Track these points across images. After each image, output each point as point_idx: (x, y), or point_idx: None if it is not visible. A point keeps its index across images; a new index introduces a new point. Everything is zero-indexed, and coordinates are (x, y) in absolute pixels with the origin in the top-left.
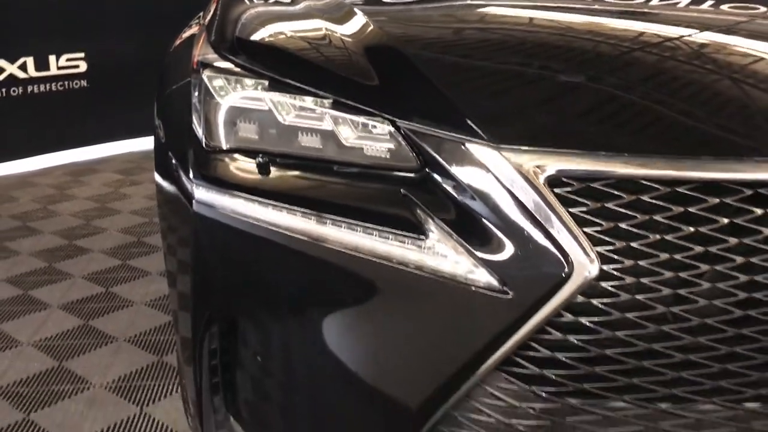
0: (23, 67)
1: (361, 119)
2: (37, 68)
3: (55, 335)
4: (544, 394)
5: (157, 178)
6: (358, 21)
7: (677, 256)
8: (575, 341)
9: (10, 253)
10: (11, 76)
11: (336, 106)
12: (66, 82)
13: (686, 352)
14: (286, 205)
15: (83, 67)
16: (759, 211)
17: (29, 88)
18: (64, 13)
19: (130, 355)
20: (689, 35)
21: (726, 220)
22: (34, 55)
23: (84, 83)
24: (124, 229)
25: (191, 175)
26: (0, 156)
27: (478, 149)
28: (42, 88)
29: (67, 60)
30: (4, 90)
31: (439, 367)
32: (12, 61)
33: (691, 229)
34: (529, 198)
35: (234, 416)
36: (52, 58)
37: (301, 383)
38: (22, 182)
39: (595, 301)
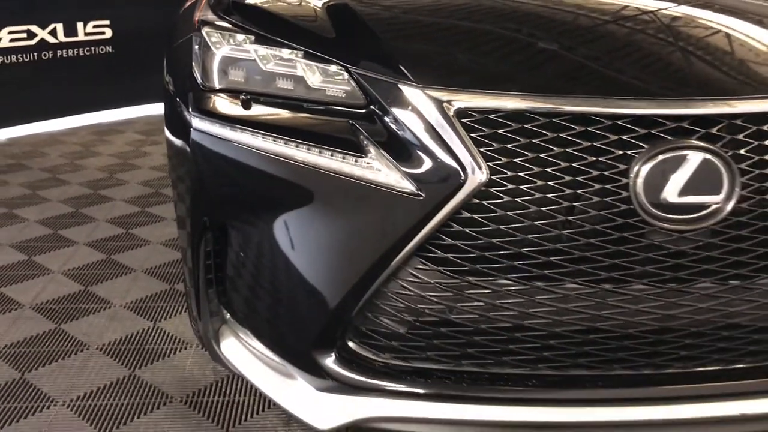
0: (53, 33)
1: (324, 66)
2: (66, 34)
3: (82, 266)
4: (449, 273)
5: (166, 119)
6: None
7: (549, 170)
8: (471, 232)
9: (42, 199)
10: (42, 41)
11: (306, 56)
12: (92, 48)
13: (554, 242)
14: (263, 132)
15: (108, 33)
16: (613, 137)
17: (59, 53)
18: None
19: (146, 283)
20: None
21: (587, 143)
22: (63, 21)
23: (109, 49)
24: (143, 181)
25: (190, 109)
26: (31, 116)
27: (407, 89)
28: (70, 52)
29: (94, 27)
30: (35, 54)
31: (375, 250)
32: (43, 27)
33: (559, 149)
34: (442, 126)
35: (224, 305)
36: (80, 25)
37: (268, 273)
38: (51, 140)
39: (485, 202)
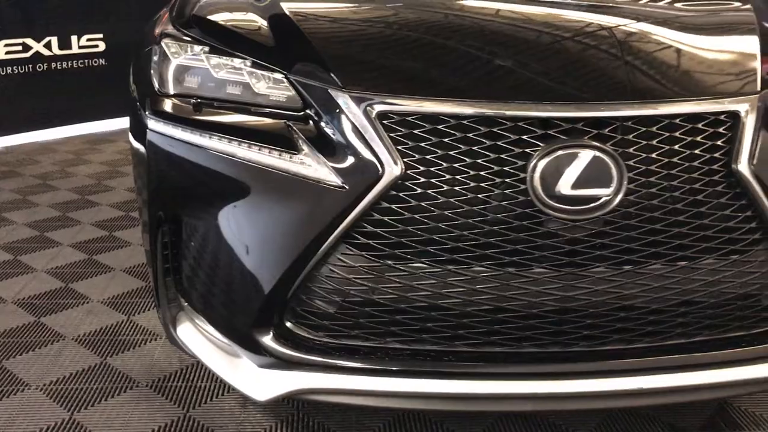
0: (48, 46)
1: (268, 74)
2: (61, 47)
3: (64, 265)
4: (371, 258)
5: (130, 128)
6: (274, 5)
7: (457, 165)
8: (389, 220)
9: (31, 204)
10: (37, 53)
11: (253, 65)
12: (86, 60)
13: (462, 229)
14: (211, 132)
15: (102, 46)
16: (514, 137)
17: (53, 65)
18: None
19: (124, 280)
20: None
21: (491, 142)
22: (57, 35)
23: (102, 61)
24: (129, 188)
25: (147, 112)
26: (26, 125)
27: (336, 93)
28: (64, 65)
29: (88, 40)
30: (30, 66)
31: (305, 237)
32: (38, 40)
33: (466, 147)
34: (364, 126)
35: (181, 293)
36: (74, 38)
37: (215, 261)
38: (44, 148)
39: (401, 194)
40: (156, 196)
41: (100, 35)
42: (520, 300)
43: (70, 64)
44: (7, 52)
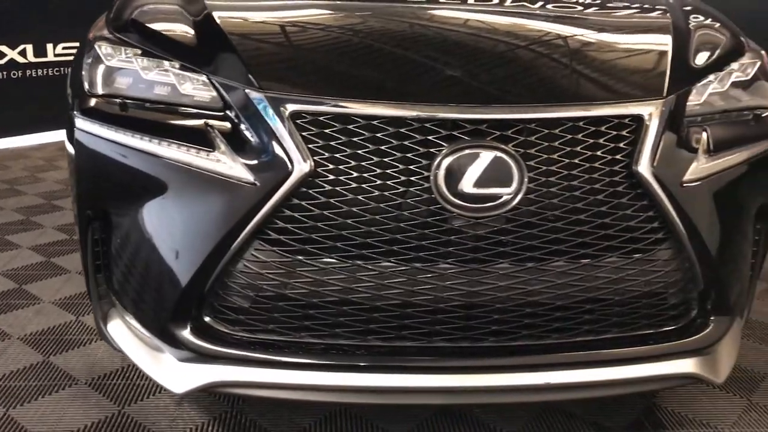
0: (23, 53)
1: (193, 76)
2: (36, 54)
3: (21, 267)
4: (283, 253)
5: (66, 130)
6: (202, 10)
7: (365, 164)
8: (300, 217)
9: None
10: (12, 60)
11: (180, 67)
12: (61, 68)
13: (369, 225)
14: (134, 131)
15: None
16: (420, 137)
17: (28, 72)
18: (62, 6)
19: (78, 282)
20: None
21: (397, 142)
22: (33, 42)
23: None
24: None
25: (75, 111)
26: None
27: (252, 93)
28: (40, 72)
29: (63, 48)
30: (4, 73)
31: (219, 232)
32: (13, 47)
33: (374, 147)
34: (277, 125)
35: (111, 290)
36: (49, 46)
37: (138, 257)
38: (17, 155)
39: (311, 191)
40: (84, 194)
41: (77, 43)
42: (428, 295)
43: (45, 72)
44: None
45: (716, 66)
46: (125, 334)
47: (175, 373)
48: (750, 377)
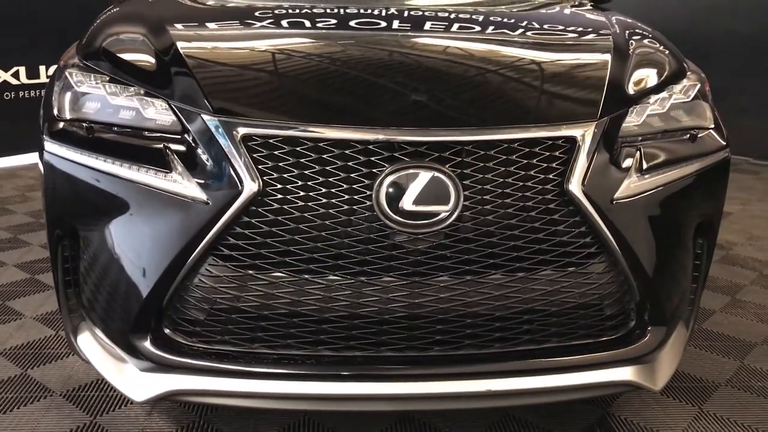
0: (16, 75)
1: (156, 101)
2: (29, 76)
3: (5, 283)
4: (235, 268)
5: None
6: (166, 39)
7: (311, 183)
8: (250, 234)
9: None
10: (5, 82)
11: (145, 93)
12: None
13: (317, 241)
14: (102, 155)
15: None
16: (363, 158)
17: (21, 93)
18: (53, 28)
19: None
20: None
21: (342, 163)
22: (26, 65)
23: None
24: None
25: (44, 135)
26: None
27: (207, 117)
28: (32, 93)
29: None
30: None
31: (174, 249)
32: (6, 69)
33: (320, 167)
34: (229, 147)
35: (80, 303)
36: (42, 68)
37: (102, 272)
38: (9, 174)
39: (260, 209)
40: (54, 212)
41: None
42: (373, 307)
43: (38, 93)
44: None
45: (656, 88)
46: (93, 346)
47: (136, 382)
48: (704, 387)
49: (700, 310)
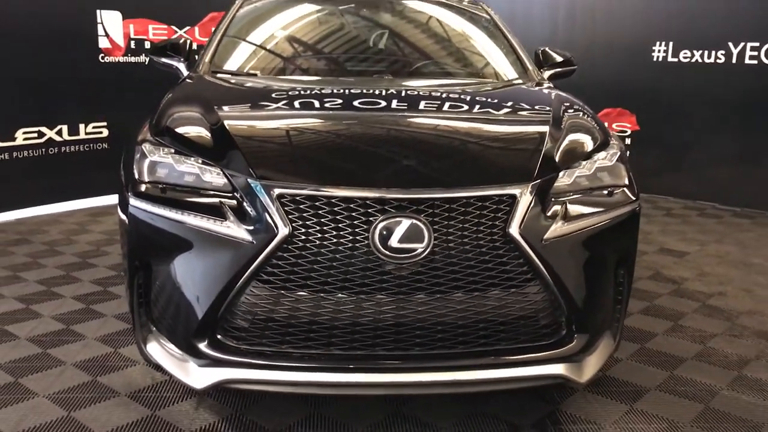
0: (59, 133)
1: (212, 168)
2: (70, 133)
3: (66, 312)
4: (271, 288)
5: (118, 203)
6: (217, 118)
7: (325, 228)
8: (282, 264)
9: (40, 266)
10: (50, 139)
11: (202, 162)
12: (91, 144)
13: (329, 269)
14: (172, 207)
15: (105, 133)
16: (362, 209)
17: (63, 149)
18: (91, 91)
19: (114, 323)
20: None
21: (348, 213)
22: (68, 123)
23: (105, 146)
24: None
25: (129, 193)
26: (37, 200)
27: (252, 181)
28: (73, 148)
29: (93, 127)
30: (43, 149)
31: (229, 275)
32: (51, 128)
33: (332, 216)
34: (268, 203)
35: (151, 321)
36: (81, 126)
37: (170, 295)
38: (53, 220)
39: (290, 246)
40: (133, 250)
41: (104, 123)
42: (370, 317)
43: (77, 148)
44: (25, 138)
45: (585, 155)
46: (160, 351)
47: (196, 375)
48: (637, 390)
49: (643, 332)
